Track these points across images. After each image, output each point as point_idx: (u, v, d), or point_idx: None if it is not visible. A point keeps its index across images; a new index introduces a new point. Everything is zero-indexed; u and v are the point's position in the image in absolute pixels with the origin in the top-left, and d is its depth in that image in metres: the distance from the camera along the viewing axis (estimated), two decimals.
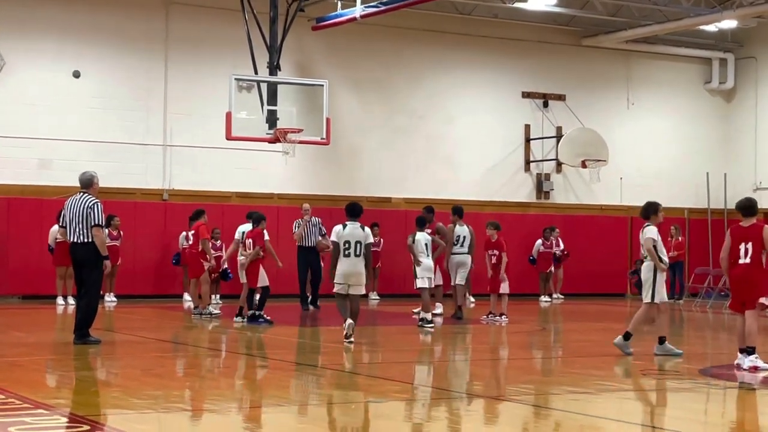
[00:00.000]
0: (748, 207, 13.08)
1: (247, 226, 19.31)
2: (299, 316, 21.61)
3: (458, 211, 20.29)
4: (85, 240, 14.46)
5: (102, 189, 23.99)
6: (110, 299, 23.90)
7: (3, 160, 24.52)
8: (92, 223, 14.41)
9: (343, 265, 15.00)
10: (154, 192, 25.94)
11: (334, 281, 15.11)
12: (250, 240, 18.83)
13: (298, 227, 23.04)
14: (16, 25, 24.97)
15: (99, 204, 14.59)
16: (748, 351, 12.64)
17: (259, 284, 18.65)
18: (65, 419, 8.72)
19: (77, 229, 14.48)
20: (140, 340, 15.72)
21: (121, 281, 24.45)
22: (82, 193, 14.72)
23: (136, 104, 25.88)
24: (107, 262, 14.73)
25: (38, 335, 17.00)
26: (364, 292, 15.43)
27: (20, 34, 24.99)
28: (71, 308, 22.31)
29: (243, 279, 19.12)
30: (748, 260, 12.73)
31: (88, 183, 14.82)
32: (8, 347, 14.89)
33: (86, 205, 14.48)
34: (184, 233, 24.46)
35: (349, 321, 14.92)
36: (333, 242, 15.17)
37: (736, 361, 12.73)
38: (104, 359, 13.77)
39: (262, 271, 18.68)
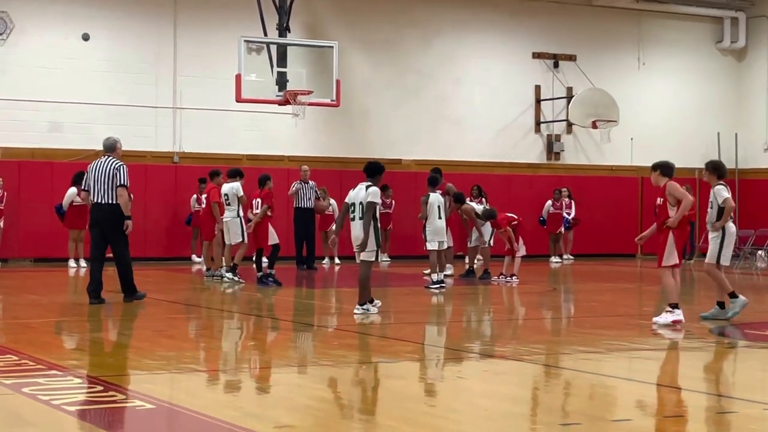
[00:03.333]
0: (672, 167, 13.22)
1: (229, 186, 19.16)
2: (300, 278, 21.68)
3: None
4: (109, 201, 14.78)
5: None
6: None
7: (13, 124, 24.56)
8: (118, 184, 14.71)
9: (352, 230, 13.93)
10: (164, 155, 25.96)
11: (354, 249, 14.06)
12: (258, 200, 18.85)
13: (296, 192, 23.28)
14: None
15: (124, 166, 14.92)
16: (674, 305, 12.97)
17: (270, 242, 18.69)
18: (79, 380, 8.79)
19: (101, 191, 14.79)
20: (152, 302, 15.77)
21: (132, 244, 24.34)
22: (106, 157, 15.02)
23: (146, 67, 25.86)
24: (129, 222, 14.94)
25: (51, 297, 17.08)
26: (371, 258, 13.71)
27: None
28: (83, 271, 22.40)
29: (228, 240, 19.18)
30: None
31: (111, 147, 15.16)
32: (21, 309, 14.99)
33: (112, 167, 14.80)
34: (195, 195, 24.59)
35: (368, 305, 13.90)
36: (344, 204, 14.15)
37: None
38: (116, 321, 13.84)
39: (271, 229, 18.73)
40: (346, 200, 14.04)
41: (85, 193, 15.23)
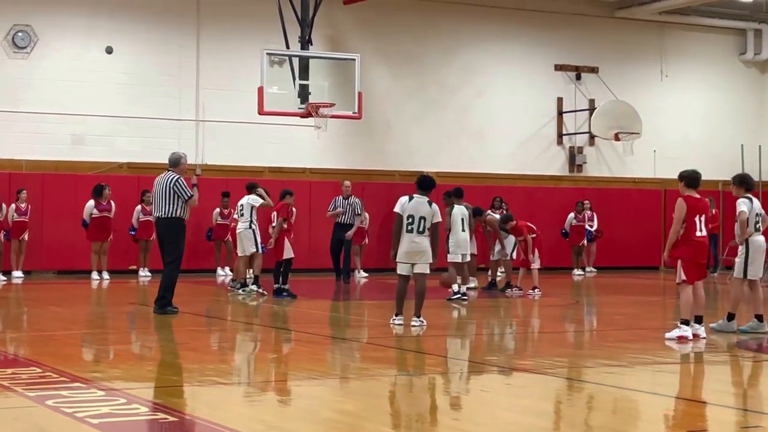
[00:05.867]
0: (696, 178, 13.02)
1: (244, 198, 19.24)
2: (332, 290, 21.69)
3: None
4: (167, 215, 15.27)
5: (135, 165, 24.26)
6: (144, 274, 24.05)
7: (37, 136, 24.67)
8: (184, 199, 15.24)
9: (405, 242, 13.66)
10: (186, 167, 25.93)
11: (397, 260, 13.82)
12: (274, 213, 18.85)
13: (335, 208, 23.23)
14: (49, 1, 25.06)
15: (181, 179, 15.39)
16: (696, 320, 12.86)
17: (285, 256, 18.68)
18: (102, 392, 8.79)
19: (160, 204, 15.34)
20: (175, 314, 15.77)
21: (155, 256, 24.53)
22: (168, 172, 15.53)
23: (169, 80, 25.94)
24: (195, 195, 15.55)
25: (74, 310, 17.14)
26: (428, 271, 13.87)
27: (53, 10, 25.11)
28: (106, 283, 22.49)
29: (241, 251, 19.16)
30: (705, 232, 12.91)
31: (175, 162, 15.69)
32: (45, 322, 15.04)
33: (171, 182, 15.29)
34: (218, 209, 24.61)
35: (401, 319, 13.90)
36: (396, 214, 13.87)
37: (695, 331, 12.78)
38: (139, 333, 13.86)
39: (287, 242, 18.70)
40: (400, 212, 13.80)
41: (151, 206, 15.70)
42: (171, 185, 15.26)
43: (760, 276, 13.82)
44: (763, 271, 14.05)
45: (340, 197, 23.45)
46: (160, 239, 15.60)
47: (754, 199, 13.78)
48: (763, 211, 13.86)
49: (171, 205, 15.25)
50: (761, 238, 13.70)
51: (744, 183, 13.81)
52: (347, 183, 23.73)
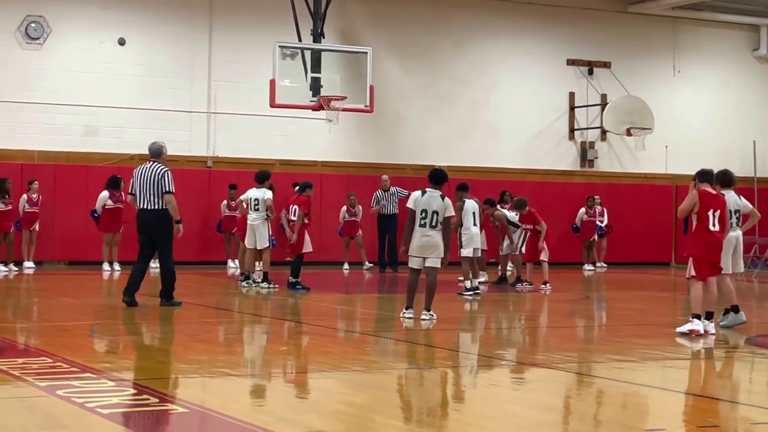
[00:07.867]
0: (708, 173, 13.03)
1: (254, 191, 19.20)
2: (343, 283, 21.68)
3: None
4: (154, 207, 14.96)
5: (146, 156, 24.27)
6: (155, 266, 24.01)
7: (49, 127, 24.73)
8: (164, 190, 14.91)
9: (418, 237, 13.75)
10: (198, 159, 26.04)
11: (408, 254, 13.95)
12: (296, 207, 18.78)
13: (377, 203, 24.82)
14: None
15: (169, 172, 15.07)
16: (706, 316, 12.85)
17: (304, 249, 18.64)
18: (112, 383, 8.82)
19: (147, 196, 14.98)
20: (185, 306, 15.82)
21: None
22: (152, 162, 15.18)
23: (181, 72, 25.97)
24: (180, 226, 15.19)
25: (85, 300, 17.18)
26: (439, 265, 13.88)
27: (66, 2, 25.16)
28: (117, 274, 22.52)
29: (251, 243, 19.12)
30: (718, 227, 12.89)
31: (157, 153, 15.33)
32: (55, 312, 15.09)
33: (157, 173, 14.96)
34: (225, 201, 24.71)
35: (411, 312, 13.94)
36: (409, 209, 13.96)
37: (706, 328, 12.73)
38: (150, 324, 13.89)
39: (307, 237, 18.68)
40: (413, 207, 13.86)
41: (132, 197, 15.35)
42: (159, 176, 14.91)
43: (730, 271, 13.80)
44: (741, 266, 14.09)
45: (381, 191, 24.75)
46: (148, 232, 15.09)
47: (727, 195, 13.75)
48: (740, 207, 13.90)
49: (159, 197, 14.92)
50: (731, 234, 13.70)
51: (717, 179, 13.79)
52: (385, 177, 25.14)
